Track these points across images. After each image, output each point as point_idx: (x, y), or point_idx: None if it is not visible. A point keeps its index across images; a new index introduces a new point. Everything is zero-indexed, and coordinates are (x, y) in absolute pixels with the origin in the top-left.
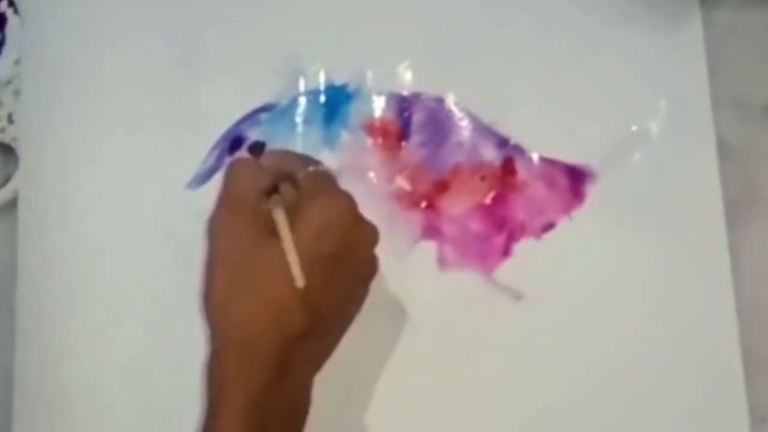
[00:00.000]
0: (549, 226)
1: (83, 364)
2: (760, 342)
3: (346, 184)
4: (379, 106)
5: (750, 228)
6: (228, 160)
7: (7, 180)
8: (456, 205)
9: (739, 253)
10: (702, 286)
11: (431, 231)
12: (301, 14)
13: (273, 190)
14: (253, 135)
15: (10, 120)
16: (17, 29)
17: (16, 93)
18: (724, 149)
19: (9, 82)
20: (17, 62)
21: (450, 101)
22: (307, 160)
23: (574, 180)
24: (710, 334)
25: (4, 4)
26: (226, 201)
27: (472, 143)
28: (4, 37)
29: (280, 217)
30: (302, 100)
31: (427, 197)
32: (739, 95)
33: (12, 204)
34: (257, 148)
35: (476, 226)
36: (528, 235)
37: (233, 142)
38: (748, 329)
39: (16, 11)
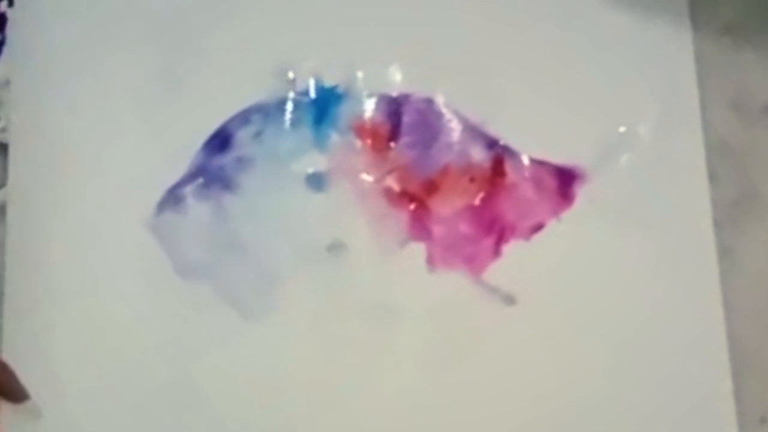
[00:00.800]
0: (538, 228)
1: (71, 367)
2: (760, 343)
3: (335, 185)
4: (368, 107)
5: (749, 229)
6: (215, 159)
7: (6, 180)
8: (445, 206)
9: (738, 254)
10: (690, 286)
11: (420, 232)
12: (292, 15)
13: None
14: (242, 134)
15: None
16: None
17: None
18: (723, 150)
19: (9, 82)
20: None
21: (439, 102)
22: None
23: (564, 181)
24: (698, 335)
25: (4, 4)
26: None
27: (461, 144)
28: (4, 38)
29: None
30: (292, 101)
31: (417, 198)
32: (739, 96)
33: None
34: None
35: (465, 227)
36: (517, 237)
37: (223, 141)
38: (749, 330)
39: None
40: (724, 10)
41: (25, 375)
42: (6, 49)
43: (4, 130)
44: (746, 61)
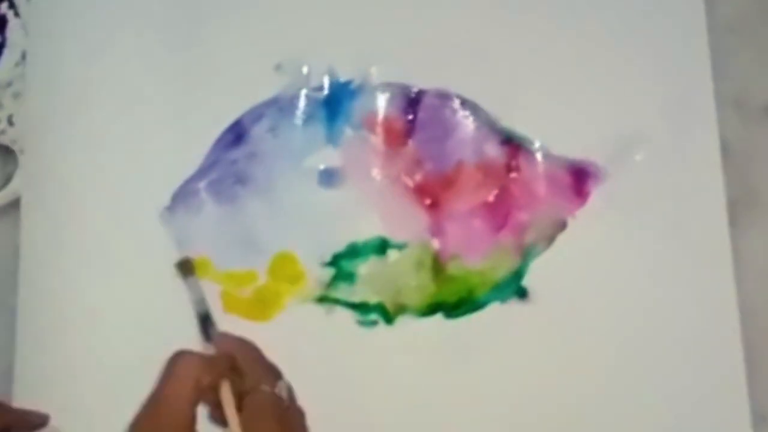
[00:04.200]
0: (553, 225)
1: (84, 364)
2: (761, 341)
3: (348, 181)
4: (383, 102)
5: (750, 228)
6: (229, 154)
7: (7, 181)
8: (460, 202)
9: (739, 253)
10: (705, 285)
11: (435, 228)
12: (306, 10)
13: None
14: (256, 129)
15: (10, 122)
16: (18, 31)
17: (17, 95)
18: (724, 149)
19: (9, 84)
20: (18, 64)
21: (453, 98)
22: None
23: (578, 179)
24: (713, 332)
25: (5, 6)
26: (155, 402)
27: (476, 140)
28: (4, 39)
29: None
30: (306, 96)
31: (431, 194)
32: (740, 95)
33: (12, 205)
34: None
35: (480, 223)
36: (531, 233)
37: (237, 136)
38: (748, 328)
39: (17, 13)
40: (725, 12)
41: (39, 370)
42: (6, 51)
43: (3, 132)
44: (747, 61)
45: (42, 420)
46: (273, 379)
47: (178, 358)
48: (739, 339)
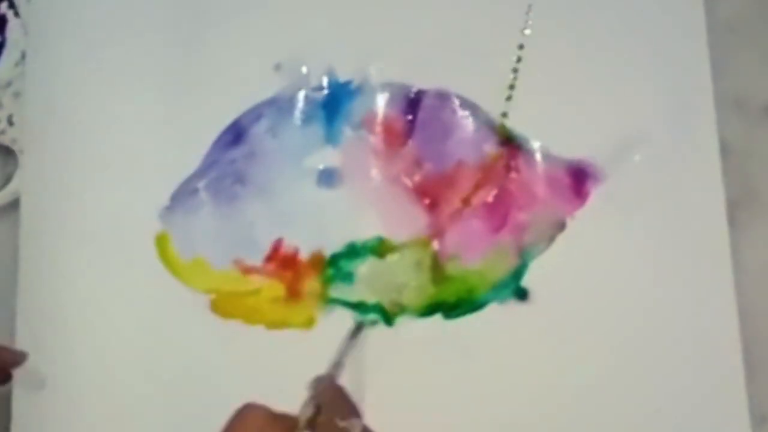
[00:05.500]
0: (552, 225)
1: (83, 365)
2: (760, 342)
3: (348, 181)
4: (382, 102)
5: (750, 228)
6: (228, 154)
7: (6, 182)
8: (458, 203)
9: (739, 254)
10: (704, 285)
11: (434, 228)
12: (306, 10)
13: None
14: (255, 129)
15: (10, 122)
16: (18, 31)
17: (17, 95)
18: (723, 149)
19: (9, 83)
20: (18, 64)
21: (453, 98)
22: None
23: (577, 179)
24: (712, 333)
25: (5, 5)
26: None
27: (475, 140)
28: (4, 39)
29: None
30: (305, 96)
31: (431, 194)
32: (740, 95)
33: (11, 205)
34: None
35: (479, 223)
36: (530, 234)
37: (236, 135)
38: (747, 329)
39: (16, 13)
40: (725, 12)
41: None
42: (6, 50)
43: (3, 132)
44: (747, 61)
45: (16, 358)
46: (348, 415)
47: (245, 411)
48: (738, 339)
